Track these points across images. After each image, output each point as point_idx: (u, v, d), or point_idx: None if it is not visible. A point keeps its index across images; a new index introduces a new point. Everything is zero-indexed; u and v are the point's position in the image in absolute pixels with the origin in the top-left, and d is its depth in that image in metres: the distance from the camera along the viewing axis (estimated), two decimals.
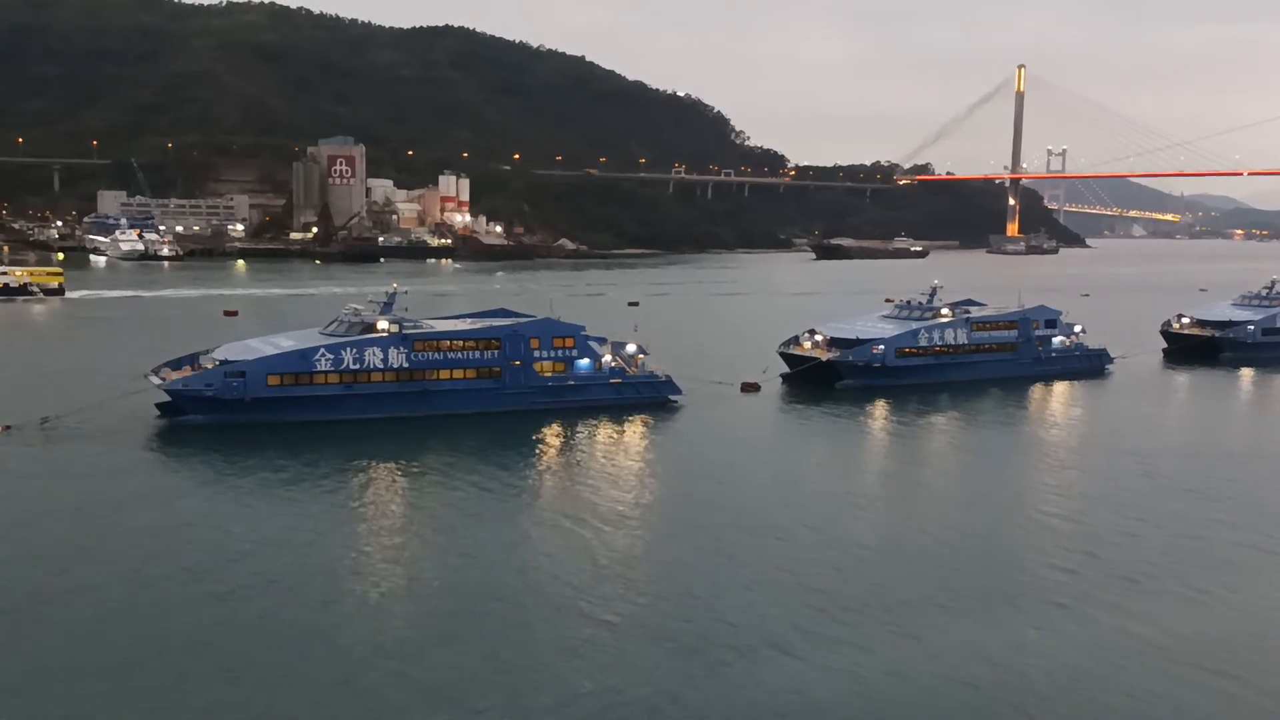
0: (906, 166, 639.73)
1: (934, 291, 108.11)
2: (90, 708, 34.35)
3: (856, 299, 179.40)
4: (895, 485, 66.91)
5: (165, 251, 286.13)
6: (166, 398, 75.36)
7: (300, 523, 53.79)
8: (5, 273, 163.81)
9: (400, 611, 43.10)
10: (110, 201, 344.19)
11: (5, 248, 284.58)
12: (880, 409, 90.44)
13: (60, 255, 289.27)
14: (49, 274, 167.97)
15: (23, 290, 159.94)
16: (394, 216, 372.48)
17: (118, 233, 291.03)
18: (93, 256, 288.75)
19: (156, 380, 76.19)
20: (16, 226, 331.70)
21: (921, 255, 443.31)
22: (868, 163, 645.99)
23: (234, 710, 34.44)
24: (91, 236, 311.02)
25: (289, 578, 45.84)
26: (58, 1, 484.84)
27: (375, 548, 50.79)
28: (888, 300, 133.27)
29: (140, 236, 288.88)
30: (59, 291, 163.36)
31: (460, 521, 54.92)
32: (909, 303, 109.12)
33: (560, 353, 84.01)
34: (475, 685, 36.39)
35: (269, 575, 45.99)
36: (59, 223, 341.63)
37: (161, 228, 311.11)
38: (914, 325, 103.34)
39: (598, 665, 38.11)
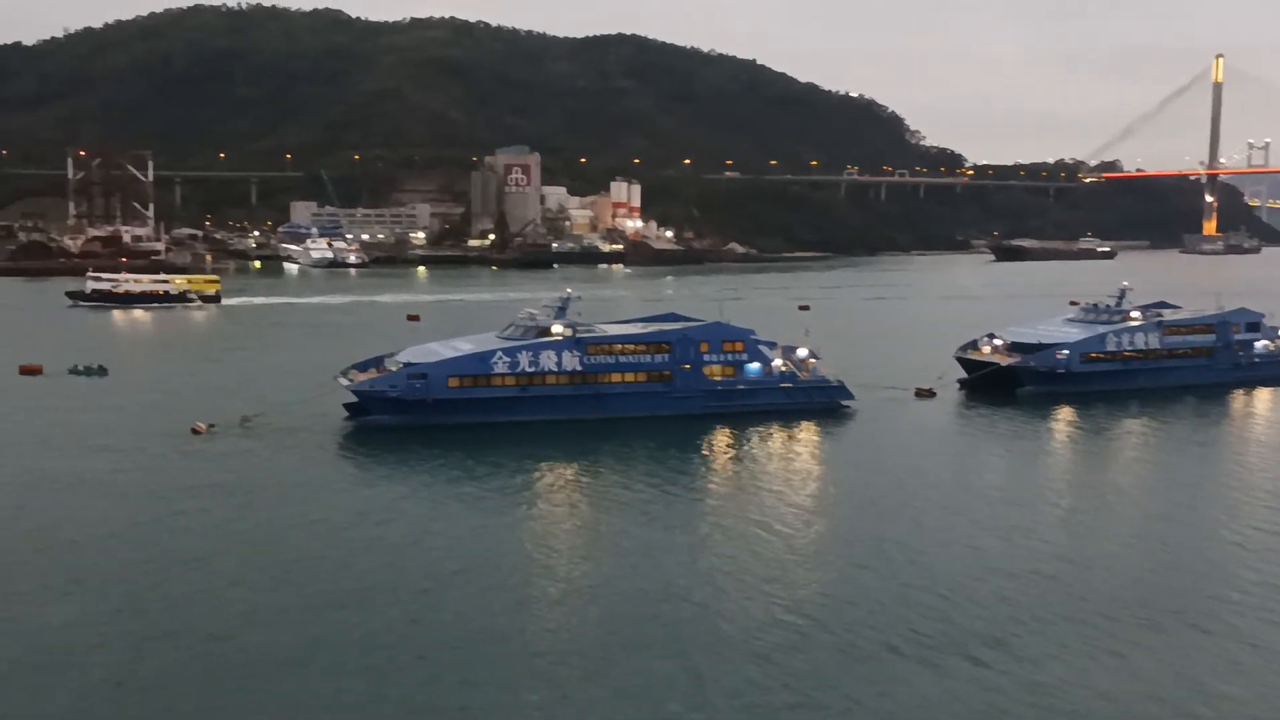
0: (1092, 164, 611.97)
1: (1123, 293, 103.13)
2: (298, 704, 35.58)
3: (1039, 302, 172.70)
4: (1082, 497, 63.96)
5: (352, 259, 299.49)
6: (354, 399, 78.75)
7: (484, 523, 55.23)
8: (166, 281, 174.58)
9: (587, 613, 43.52)
10: (302, 212, 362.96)
11: (208, 256, 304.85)
12: (1064, 417, 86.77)
13: (257, 264, 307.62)
14: (206, 282, 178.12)
15: (181, 298, 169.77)
16: (567, 223, 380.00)
17: (309, 241, 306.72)
18: (286, 264, 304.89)
19: (344, 382, 79.71)
20: (218, 237, 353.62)
21: (1109, 256, 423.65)
22: (1050, 161, 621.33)
23: (435, 713, 35.10)
24: (285, 245, 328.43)
25: (478, 578, 46.80)
26: (257, 26, 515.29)
27: (557, 549, 51.69)
28: (1072, 303, 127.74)
29: (329, 245, 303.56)
30: (215, 299, 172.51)
31: (637, 524, 55.39)
32: (1096, 306, 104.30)
33: (730, 356, 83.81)
34: (668, 689, 36.55)
35: (458, 576, 47.13)
36: (256, 233, 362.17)
37: (349, 236, 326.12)
38: (1101, 329, 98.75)
39: (790, 672, 37.71)
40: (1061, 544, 53.00)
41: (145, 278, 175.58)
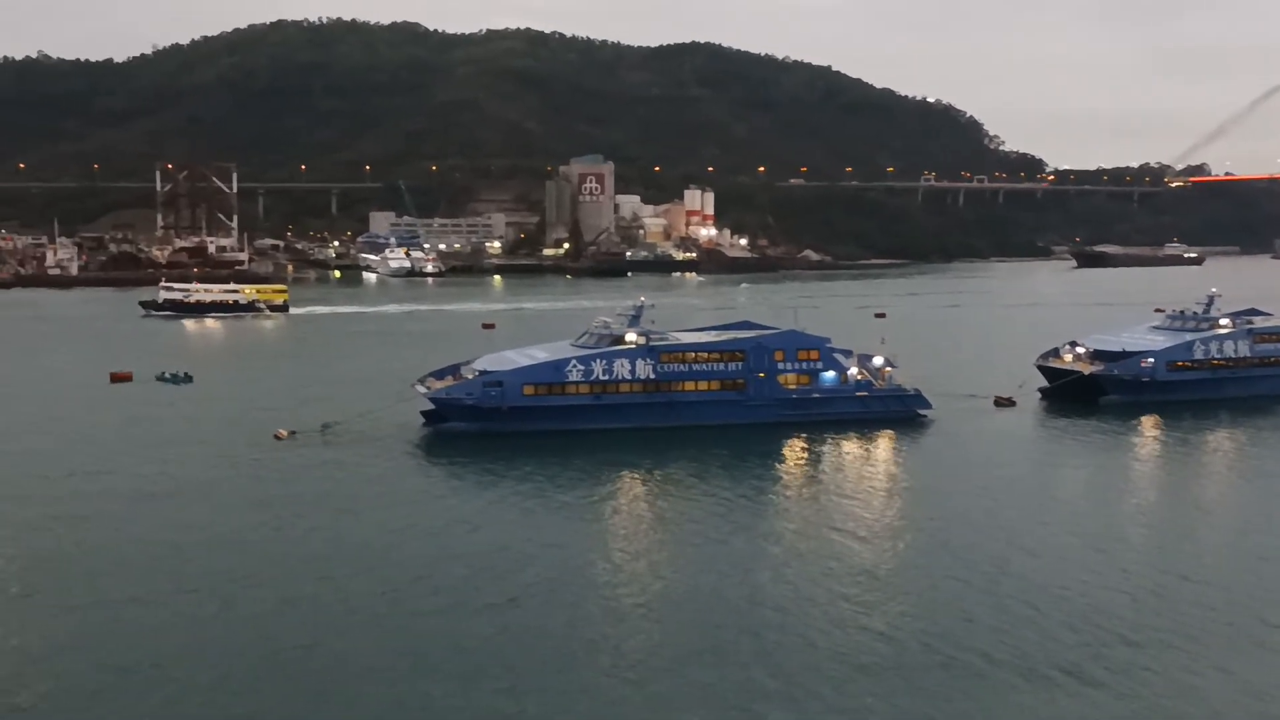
0: (1178, 168, 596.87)
1: (1211, 300, 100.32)
2: (387, 710, 36.06)
3: (1122, 310, 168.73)
4: (1170, 510, 62.38)
5: (429, 268, 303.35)
6: (431, 406, 79.74)
7: (563, 531, 55.61)
8: (236, 290, 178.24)
9: (674, 622, 43.46)
10: (381, 222, 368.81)
11: (290, 266, 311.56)
12: (1149, 427, 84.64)
13: (337, 273, 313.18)
14: (275, 291, 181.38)
15: (250, 307, 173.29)
16: (641, 231, 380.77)
17: (387, 251, 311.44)
18: (365, 274, 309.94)
19: (422, 389, 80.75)
20: (299, 247, 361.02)
21: (1196, 262, 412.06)
22: (1134, 165, 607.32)
23: None
24: (364, 255, 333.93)
25: (561, 587, 47.09)
26: (337, 40, 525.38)
27: (637, 557, 51.83)
28: (1158, 310, 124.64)
29: (407, 254, 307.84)
30: (283, 308, 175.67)
31: (716, 534, 55.27)
32: (1182, 313, 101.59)
33: (805, 365, 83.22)
34: (760, 697, 36.51)
35: (541, 584, 47.41)
36: (335, 243, 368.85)
37: (426, 246, 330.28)
38: (1188, 337, 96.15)
39: (885, 685, 37.42)
40: (1151, 557, 51.84)
41: (216, 287, 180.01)
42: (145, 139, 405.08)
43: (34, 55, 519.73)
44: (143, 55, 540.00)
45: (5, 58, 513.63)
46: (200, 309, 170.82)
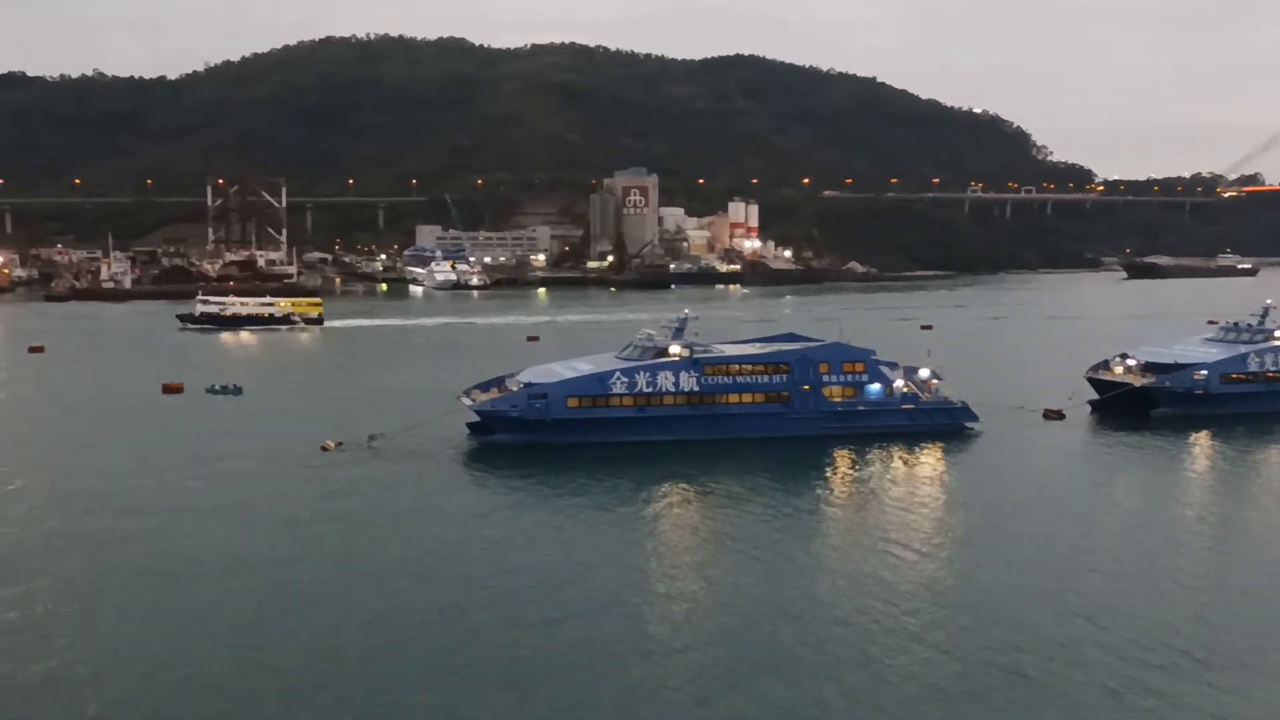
0: (1232, 178, 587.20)
1: (1266, 312, 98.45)
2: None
3: (1174, 321, 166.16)
4: (1226, 525, 61.17)
5: (475, 281, 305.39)
6: (477, 418, 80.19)
7: (612, 543, 55.78)
8: (272, 304, 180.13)
9: (734, 634, 43.38)
10: (427, 236, 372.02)
11: (338, 279, 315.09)
12: (1202, 441, 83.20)
13: (384, 286, 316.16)
14: (310, 304, 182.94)
15: (285, 320, 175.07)
16: (684, 244, 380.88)
17: (433, 264, 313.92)
18: (411, 286, 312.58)
19: (467, 401, 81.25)
20: (347, 260, 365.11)
21: (1251, 274, 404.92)
22: (1186, 175, 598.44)
23: None
24: (410, 268, 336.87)
25: (616, 599, 47.26)
26: (384, 56, 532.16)
27: (691, 570, 51.81)
28: (1211, 322, 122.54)
29: (453, 268, 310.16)
30: (318, 321, 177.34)
31: (766, 546, 55.18)
32: (1236, 325, 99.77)
33: (850, 377, 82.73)
34: (828, 713, 36.39)
35: (597, 595, 47.63)
36: (383, 256, 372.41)
37: (471, 259, 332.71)
38: (1242, 349, 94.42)
39: (959, 709, 36.86)
40: (1211, 573, 51.19)
41: (252, 300, 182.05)
42: (197, 155, 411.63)
43: (90, 73, 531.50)
44: (195, 73, 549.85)
45: (63, 76, 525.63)
46: (236, 322, 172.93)
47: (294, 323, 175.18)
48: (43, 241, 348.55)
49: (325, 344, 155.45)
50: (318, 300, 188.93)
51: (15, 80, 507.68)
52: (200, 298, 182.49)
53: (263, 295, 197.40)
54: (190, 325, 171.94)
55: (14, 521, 58.90)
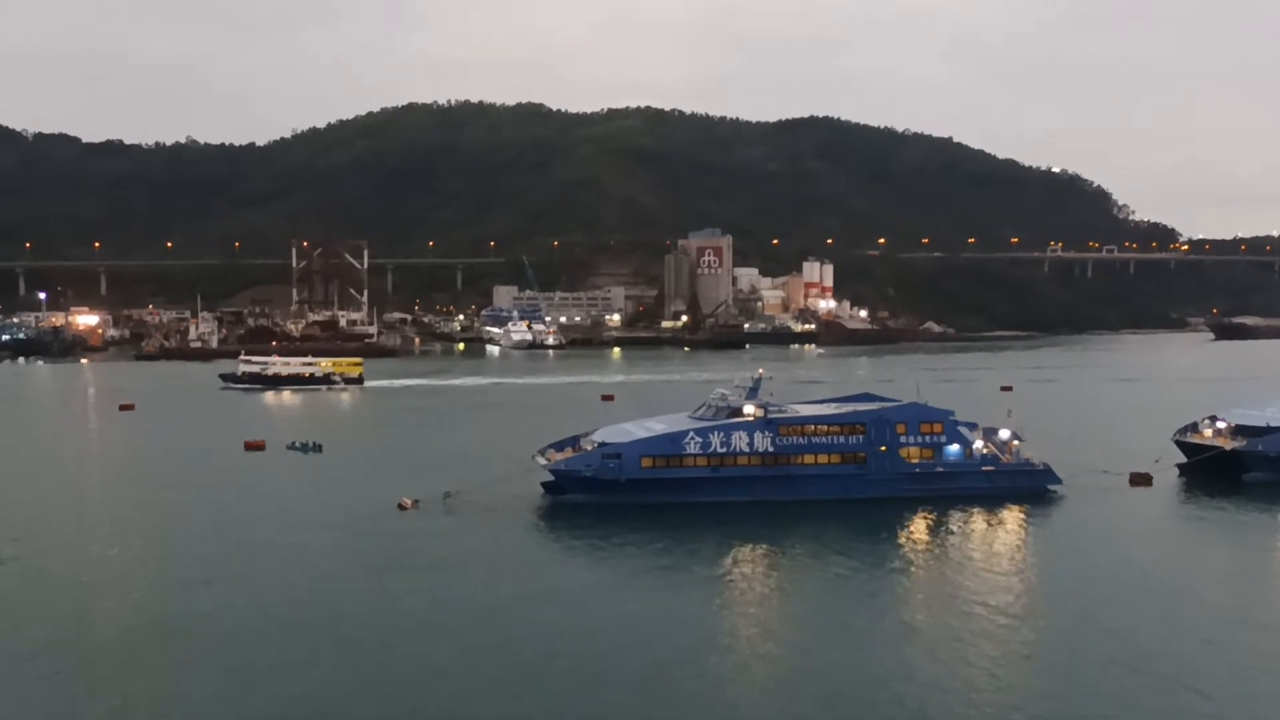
0: None
1: None
2: None
3: (1266, 384, 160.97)
4: None
5: (550, 341, 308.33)
6: (551, 477, 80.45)
7: (688, 605, 55.14)
8: (314, 364, 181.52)
9: (825, 699, 42.80)
10: (504, 296, 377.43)
11: (417, 339, 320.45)
12: None
13: (461, 346, 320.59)
14: (350, 364, 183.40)
15: (326, 380, 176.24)
16: (759, 304, 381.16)
17: (510, 324, 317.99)
18: (488, 346, 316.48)
19: (542, 461, 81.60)
20: (426, 320, 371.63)
21: None
22: (1275, 234, 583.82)
23: None
24: (487, 328, 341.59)
25: (701, 660, 46.84)
26: (466, 123, 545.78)
27: (775, 632, 51.36)
28: None
29: (529, 328, 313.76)
30: (359, 381, 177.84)
31: (847, 609, 54.43)
32: None
33: (928, 438, 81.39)
34: None
35: (681, 656, 47.17)
36: (460, 316, 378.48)
37: (547, 319, 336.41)
38: None
39: None
40: None
41: (294, 360, 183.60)
42: (283, 218, 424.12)
43: (183, 141, 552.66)
44: (282, 139, 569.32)
45: (157, 144, 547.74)
46: (278, 381, 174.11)
47: (334, 383, 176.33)
48: (135, 302, 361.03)
49: (412, 402, 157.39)
50: (358, 360, 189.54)
51: (113, 148, 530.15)
52: (243, 357, 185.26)
53: (341, 353, 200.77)
54: (233, 384, 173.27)
55: (105, 577, 60.33)
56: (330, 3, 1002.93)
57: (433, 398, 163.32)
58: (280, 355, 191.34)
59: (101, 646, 48.60)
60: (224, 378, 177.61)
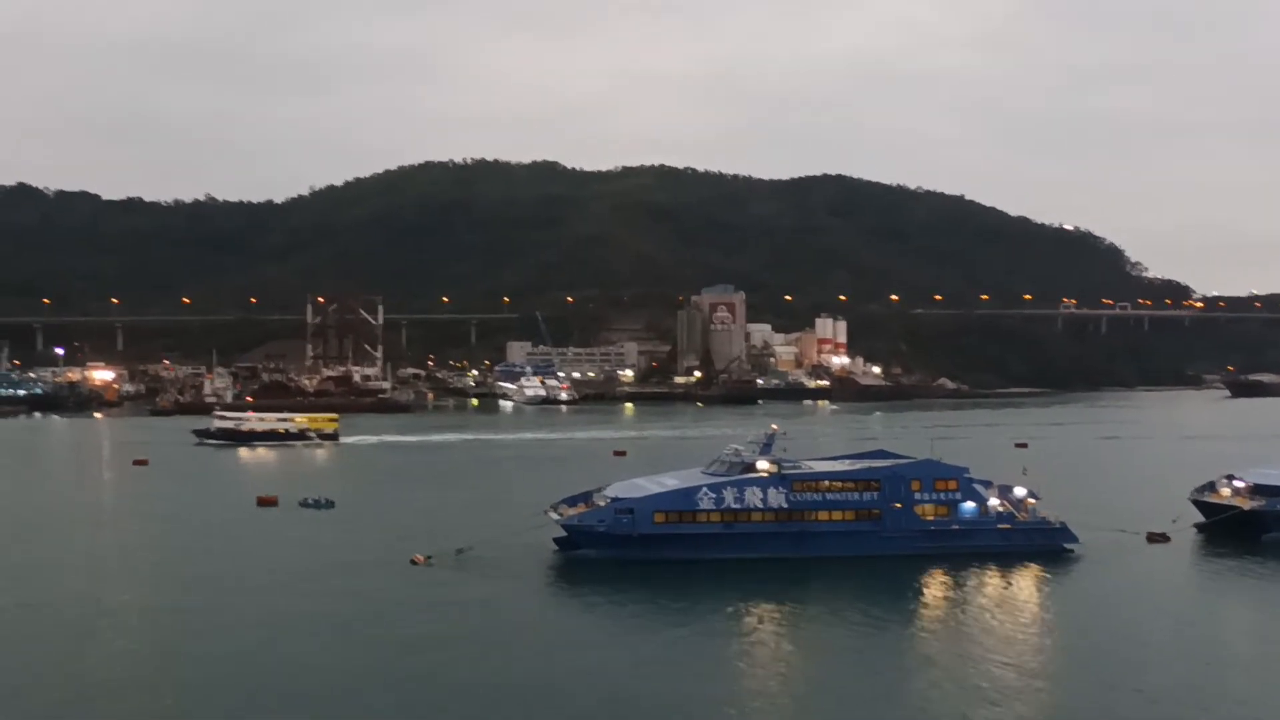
0: None
1: None
2: None
3: None
4: None
5: (563, 396, 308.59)
6: (564, 532, 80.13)
7: (705, 662, 54.70)
8: (288, 419, 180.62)
9: None
10: (517, 351, 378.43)
11: (430, 394, 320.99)
12: None
13: (474, 401, 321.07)
14: (326, 420, 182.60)
15: (301, 435, 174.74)
16: (772, 359, 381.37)
17: (523, 379, 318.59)
18: (501, 401, 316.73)
19: (554, 516, 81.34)
20: (439, 376, 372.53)
21: None
22: None
23: None
24: (500, 383, 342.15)
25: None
26: (480, 179, 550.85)
27: (786, 695, 50.61)
28: None
29: (542, 383, 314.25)
30: (333, 437, 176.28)
31: (861, 670, 53.85)
32: None
33: (943, 495, 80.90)
34: None
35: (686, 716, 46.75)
36: (474, 371, 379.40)
37: (560, 374, 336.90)
38: None
39: None
40: None
41: (270, 416, 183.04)
42: (299, 274, 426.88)
43: (202, 198, 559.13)
44: (300, 196, 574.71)
45: (177, 200, 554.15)
46: (252, 437, 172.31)
47: (309, 439, 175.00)
48: (151, 357, 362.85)
49: (426, 457, 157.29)
50: (334, 416, 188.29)
51: (133, 206, 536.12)
52: (217, 413, 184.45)
53: (355, 409, 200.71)
54: (207, 441, 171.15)
55: (114, 633, 60.15)
56: (350, 63, 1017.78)
57: (442, 453, 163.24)
58: (256, 411, 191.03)
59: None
60: (198, 434, 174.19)
